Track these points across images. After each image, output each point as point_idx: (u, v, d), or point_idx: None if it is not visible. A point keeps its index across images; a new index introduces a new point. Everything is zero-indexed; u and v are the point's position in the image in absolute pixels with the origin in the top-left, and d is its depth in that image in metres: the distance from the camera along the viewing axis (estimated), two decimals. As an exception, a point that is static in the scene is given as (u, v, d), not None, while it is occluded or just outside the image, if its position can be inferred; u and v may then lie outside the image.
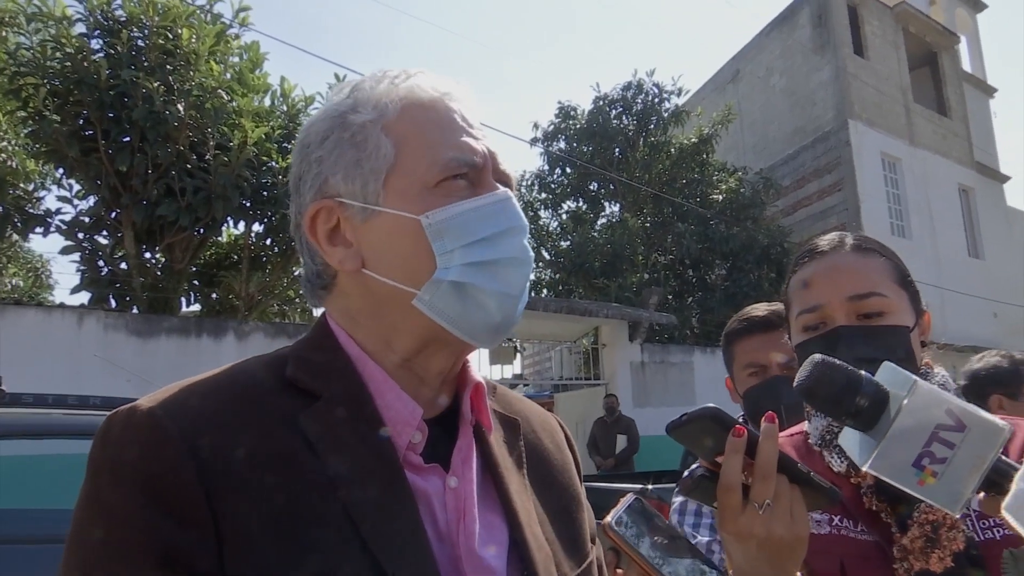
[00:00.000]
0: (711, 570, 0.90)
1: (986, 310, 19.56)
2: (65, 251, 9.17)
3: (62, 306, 9.07)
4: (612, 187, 17.50)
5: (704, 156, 17.37)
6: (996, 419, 0.76)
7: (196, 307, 10.59)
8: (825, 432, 1.22)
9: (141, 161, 8.40)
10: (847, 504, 1.15)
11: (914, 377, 0.80)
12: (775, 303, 1.90)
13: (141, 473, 0.68)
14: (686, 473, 0.93)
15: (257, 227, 10.14)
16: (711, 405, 0.87)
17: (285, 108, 9.86)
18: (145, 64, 8.50)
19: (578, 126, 17.61)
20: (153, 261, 9.93)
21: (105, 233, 9.47)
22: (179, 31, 8.81)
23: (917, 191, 19.33)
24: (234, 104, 9.11)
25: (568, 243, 16.58)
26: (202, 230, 9.36)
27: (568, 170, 17.89)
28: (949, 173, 20.67)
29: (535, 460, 0.97)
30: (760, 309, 1.94)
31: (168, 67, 8.69)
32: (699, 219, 16.28)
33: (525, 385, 16.81)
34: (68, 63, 8.22)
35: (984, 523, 1.08)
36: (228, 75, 9.41)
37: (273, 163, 9.52)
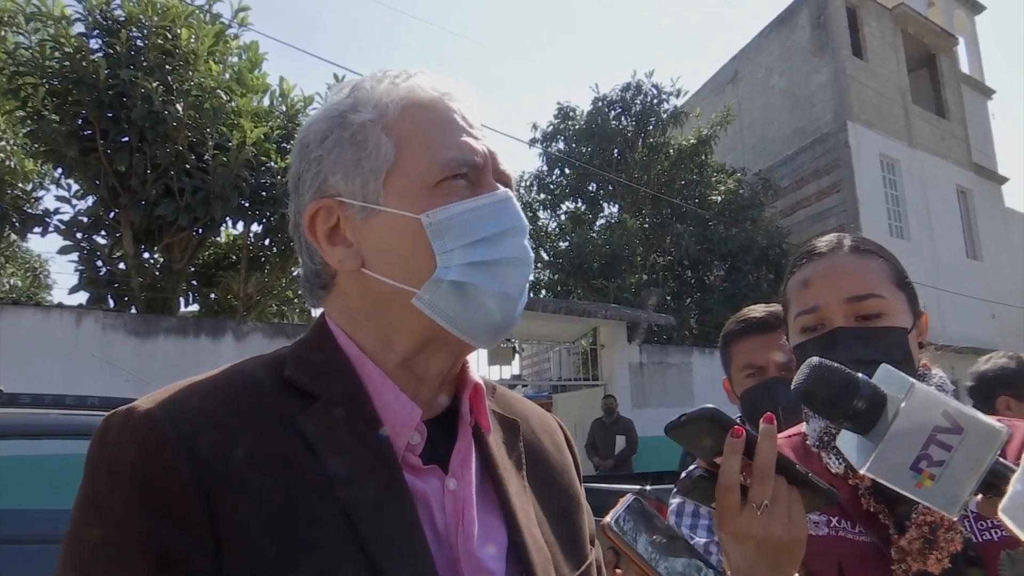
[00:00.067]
0: (709, 570, 0.90)
1: (984, 311, 19.59)
2: (63, 251, 9.16)
3: (60, 306, 9.07)
4: (611, 188, 17.51)
5: (703, 157, 17.38)
6: (993, 421, 0.76)
7: (194, 307, 10.58)
8: (823, 433, 1.22)
9: (140, 161, 8.39)
10: (845, 505, 1.15)
11: (911, 380, 0.80)
12: (773, 304, 1.90)
13: (139, 475, 0.68)
14: (684, 474, 0.93)
15: (256, 227, 10.14)
16: (710, 406, 0.87)
17: (284, 108, 9.85)
18: (144, 64, 8.49)
19: (577, 127, 17.62)
20: (151, 261, 9.92)
21: (103, 233, 9.46)
22: (178, 31, 8.81)
23: (915, 192, 19.36)
24: (233, 104, 9.11)
25: (567, 244, 16.58)
26: (201, 230, 9.35)
27: (567, 171, 17.89)
28: (947, 174, 20.70)
29: (534, 461, 0.97)
30: (757, 310, 1.94)
31: (167, 67, 8.68)
32: (698, 220, 16.28)
33: (524, 386, 16.83)
34: (67, 63, 8.21)
35: (982, 524, 1.08)
36: (227, 75, 9.40)
37: (272, 163, 9.51)
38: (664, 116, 17.36)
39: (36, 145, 8.66)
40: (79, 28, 8.56)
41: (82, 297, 9.22)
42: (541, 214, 18.21)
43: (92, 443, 0.72)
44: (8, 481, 4.54)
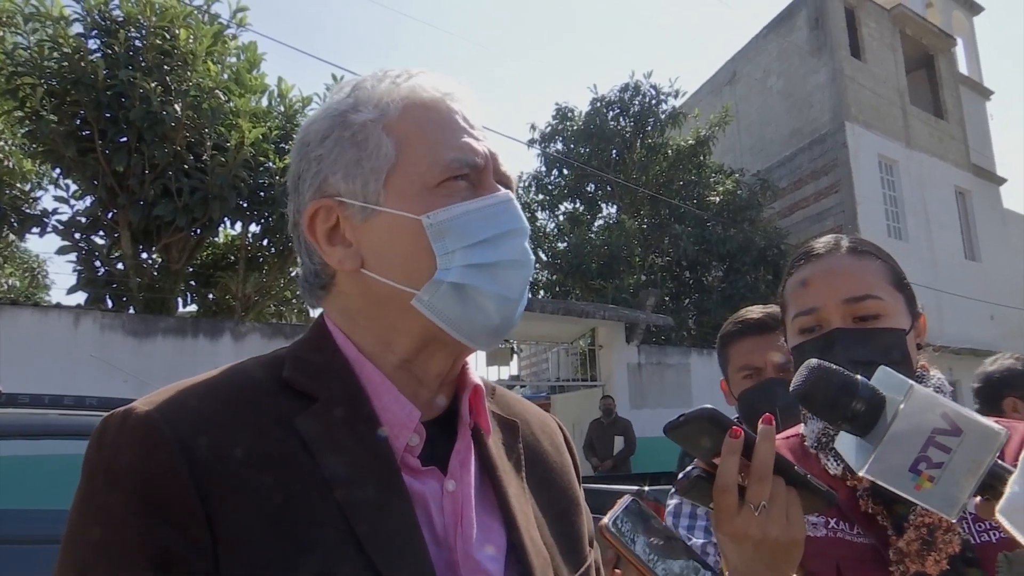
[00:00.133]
0: (706, 571, 0.90)
1: (983, 312, 19.60)
2: (62, 251, 9.15)
3: (58, 306, 9.06)
4: (609, 189, 17.51)
5: (701, 158, 17.39)
6: (992, 423, 0.76)
7: (193, 308, 10.57)
8: (821, 435, 1.22)
9: (138, 161, 8.38)
10: (843, 507, 1.15)
11: (910, 382, 0.80)
12: (770, 305, 1.90)
13: (136, 477, 0.68)
14: (682, 474, 0.93)
15: (254, 228, 10.13)
16: (708, 406, 0.87)
17: (282, 109, 9.84)
18: (142, 64, 8.48)
19: (575, 127, 17.63)
20: (150, 261, 9.92)
21: (102, 233, 9.45)
22: (176, 31, 8.80)
23: (913, 193, 19.37)
24: (231, 104, 9.11)
25: (565, 244, 16.57)
26: (199, 230, 9.34)
27: (565, 171, 17.91)
28: (945, 175, 20.72)
29: (534, 462, 0.97)
30: (755, 311, 1.94)
31: (165, 67, 8.67)
32: (696, 221, 16.29)
33: (522, 386, 16.81)
34: (65, 63, 8.20)
35: (980, 526, 1.08)
36: (225, 75, 9.40)
37: (270, 164, 9.51)
38: (662, 117, 17.38)
39: (34, 145, 8.65)
40: (77, 28, 8.56)
41: (80, 297, 9.23)
42: (539, 215, 18.23)
43: (90, 444, 0.72)
44: (7, 481, 4.53)
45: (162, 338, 8.44)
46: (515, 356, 15.63)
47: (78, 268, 9.25)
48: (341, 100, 0.87)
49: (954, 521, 0.95)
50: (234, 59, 9.77)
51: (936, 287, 17.38)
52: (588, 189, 18.06)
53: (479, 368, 11.69)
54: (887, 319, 1.18)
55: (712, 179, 17.40)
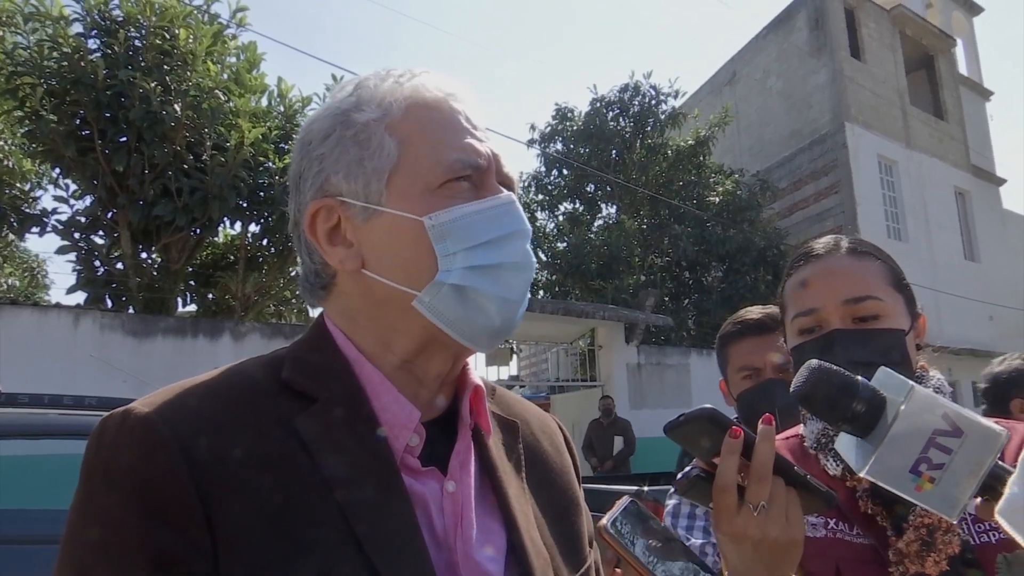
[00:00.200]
0: (705, 573, 0.90)
1: (982, 313, 19.61)
2: (61, 251, 9.16)
3: (58, 306, 9.05)
4: (609, 189, 17.52)
5: (701, 158, 17.40)
6: (993, 424, 0.76)
7: (192, 307, 10.57)
8: (820, 435, 1.22)
9: (138, 161, 8.38)
10: (843, 507, 1.15)
11: (911, 382, 0.80)
12: (769, 306, 1.90)
13: (135, 478, 0.68)
14: (681, 474, 0.93)
15: (254, 228, 10.13)
16: (708, 406, 0.86)
17: (282, 109, 9.84)
18: (142, 64, 8.48)
19: (575, 128, 17.64)
20: (149, 261, 9.92)
21: (101, 233, 9.45)
22: (176, 31, 8.80)
23: (913, 194, 19.38)
24: (231, 104, 9.10)
25: (565, 245, 16.59)
26: (198, 230, 9.33)
27: (565, 172, 17.92)
28: (945, 176, 20.73)
29: (534, 463, 0.97)
30: (754, 312, 1.94)
31: (165, 67, 8.67)
32: (696, 221, 16.30)
33: (521, 386, 16.81)
34: (65, 63, 8.20)
35: (980, 527, 1.08)
36: (225, 75, 9.40)
37: (270, 164, 9.51)
38: (662, 117, 17.40)
39: (34, 145, 8.65)
40: (77, 28, 8.56)
41: (80, 297, 9.23)
42: (539, 215, 18.24)
43: (89, 445, 0.72)
44: (6, 481, 4.53)
45: (162, 338, 8.44)
46: (514, 356, 15.63)
47: (78, 268, 9.25)
48: (344, 99, 0.87)
49: (954, 522, 0.95)
50: (234, 59, 9.77)
51: (935, 288, 17.39)
52: (588, 189, 18.07)
53: (478, 368, 11.68)
54: (887, 320, 1.17)
55: (712, 179, 17.41)
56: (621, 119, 17.49)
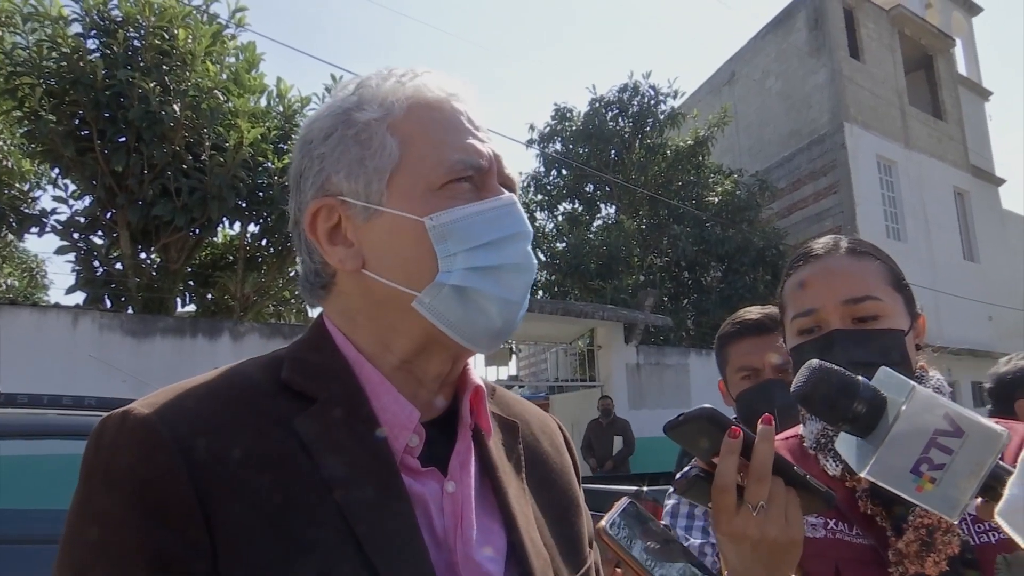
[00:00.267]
0: (703, 574, 0.90)
1: (981, 313, 19.62)
2: (60, 251, 9.15)
3: (57, 306, 9.05)
4: (608, 189, 17.52)
5: (700, 158, 17.41)
6: (994, 424, 0.76)
7: (191, 307, 10.57)
8: (820, 435, 1.22)
9: (137, 161, 8.37)
10: (842, 508, 1.15)
11: (912, 383, 0.79)
12: (768, 306, 1.90)
13: (134, 479, 0.68)
14: (680, 474, 0.93)
15: (253, 228, 10.13)
16: (708, 406, 0.86)
17: (281, 109, 9.84)
18: (141, 64, 8.48)
19: (574, 128, 17.64)
20: (148, 261, 9.91)
21: (100, 233, 9.45)
22: (175, 31, 8.80)
23: (912, 194, 19.39)
24: (230, 105, 9.11)
25: (564, 245, 16.59)
26: (198, 230, 9.33)
27: (564, 172, 17.92)
28: (944, 176, 20.74)
29: (534, 463, 0.97)
30: (753, 312, 1.94)
31: (164, 67, 8.67)
32: (695, 221, 16.30)
33: (520, 386, 16.80)
34: (64, 63, 8.19)
35: (980, 527, 1.08)
36: (224, 76, 9.39)
37: (269, 164, 9.50)
38: (661, 117, 17.41)
39: (33, 145, 8.65)
40: (76, 28, 8.56)
41: (79, 297, 9.22)
42: (538, 215, 18.24)
43: (88, 446, 0.72)
44: (6, 481, 4.53)
45: (161, 338, 8.43)
46: (514, 356, 15.63)
47: (77, 268, 9.25)
48: (345, 98, 0.86)
49: (955, 523, 0.95)
50: (233, 59, 9.77)
51: (935, 288, 17.41)
52: (587, 189, 18.08)
53: (478, 368, 11.59)
54: (886, 320, 1.17)
55: (711, 180, 17.42)
56: (620, 119, 17.49)
